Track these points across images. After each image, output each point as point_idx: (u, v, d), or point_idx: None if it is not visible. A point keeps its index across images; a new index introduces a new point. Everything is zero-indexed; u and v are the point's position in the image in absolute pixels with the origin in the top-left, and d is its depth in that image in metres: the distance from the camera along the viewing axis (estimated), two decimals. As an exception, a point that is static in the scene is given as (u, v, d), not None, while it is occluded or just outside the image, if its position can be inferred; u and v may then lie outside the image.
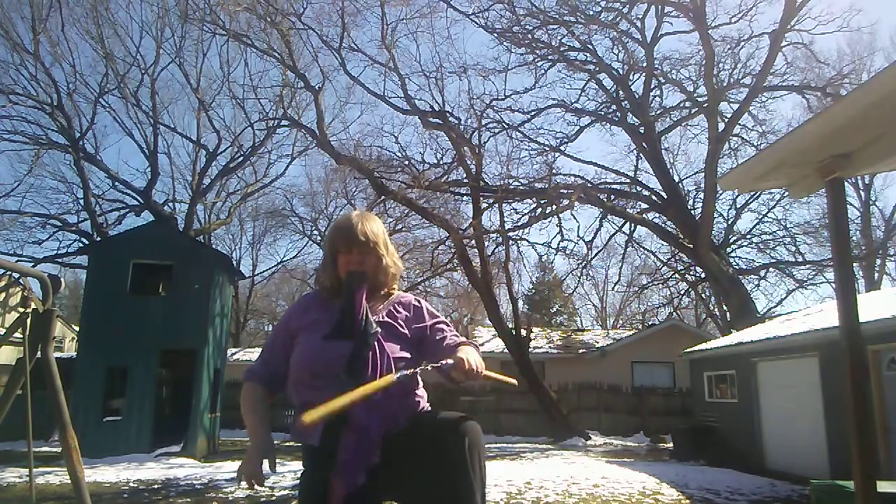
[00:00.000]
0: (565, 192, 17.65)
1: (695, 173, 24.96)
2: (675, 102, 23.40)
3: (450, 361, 1.67)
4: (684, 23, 19.02)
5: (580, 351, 22.87)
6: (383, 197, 18.83)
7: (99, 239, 21.68)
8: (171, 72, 51.86)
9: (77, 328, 16.76)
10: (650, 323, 31.75)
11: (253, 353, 27.24)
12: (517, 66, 20.03)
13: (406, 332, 1.84)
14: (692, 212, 19.54)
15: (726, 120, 17.93)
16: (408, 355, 1.79)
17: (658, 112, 20.23)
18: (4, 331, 3.47)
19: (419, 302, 1.96)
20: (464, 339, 1.89)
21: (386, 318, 1.85)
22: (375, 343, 1.73)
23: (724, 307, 21.33)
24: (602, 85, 20.24)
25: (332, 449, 1.64)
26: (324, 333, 1.76)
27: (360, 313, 1.76)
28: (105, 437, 11.90)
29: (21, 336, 3.04)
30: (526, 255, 66.96)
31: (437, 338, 1.87)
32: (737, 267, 20.83)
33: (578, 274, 23.03)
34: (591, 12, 18.49)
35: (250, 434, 1.86)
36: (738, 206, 22.72)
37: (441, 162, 19.10)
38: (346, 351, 1.71)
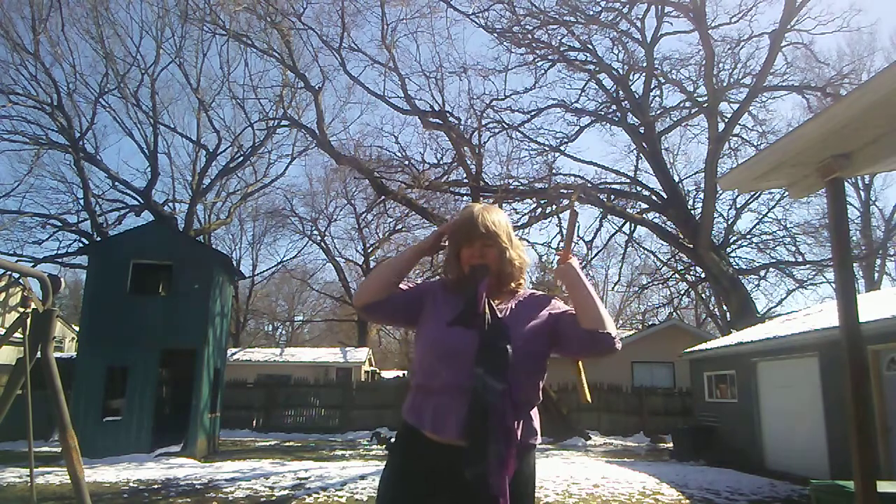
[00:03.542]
0: (565, 192, 17.65)
1: (695, 173, 25.01)
2: (675, 102, 23.50)
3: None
4: (684, 23, 19.05)
5: (580, 351, 22.83)
6: (383, 197, 18.85)
7: (99, 239, 21.71)
8: (171, 72, 52.07)
9: (77, 328, 16.75)
10: (650, 323, 31.74)
11: (253, 353, 27.24)
12: (517, 66, 20.06)
13: (534, 324, 1.79)
14: (692, 212, 19.54)
15: (726, 120, 17.93)
16: (535, 350, 1.76)
17: (658, 112, 20.23)
18: (4, 331, 3.47)
19: (552, 296, 1.93)
20: None
21: (514, 310, 1.82)
22: (507, 334, 1.71)
23: (724, 307, 21.34)
24: (602, 85, 20.24)
25: (482, 446, 1.61)
26: (447, 320, 1.76)
27: (482, 305, 1.74)
28: (105, 437, 11.88)
29: (21, 336, 3.03)
30: (526, 255, 66.88)
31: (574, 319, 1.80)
32: (737, 267, 20.82)
33: (578, 274, 22.99)
34: (591, 12, 18.48)
35: (415, 246, 2.01)
36: (738, 206, 22.74)
37: (441, 162, 19.12)
38: (470, 340, 1.69)
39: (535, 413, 1.80)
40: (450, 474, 1.65)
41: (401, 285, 1.90)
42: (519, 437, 1.67)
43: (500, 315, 1.76)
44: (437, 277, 2.05)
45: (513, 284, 1.90)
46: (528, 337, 1.75)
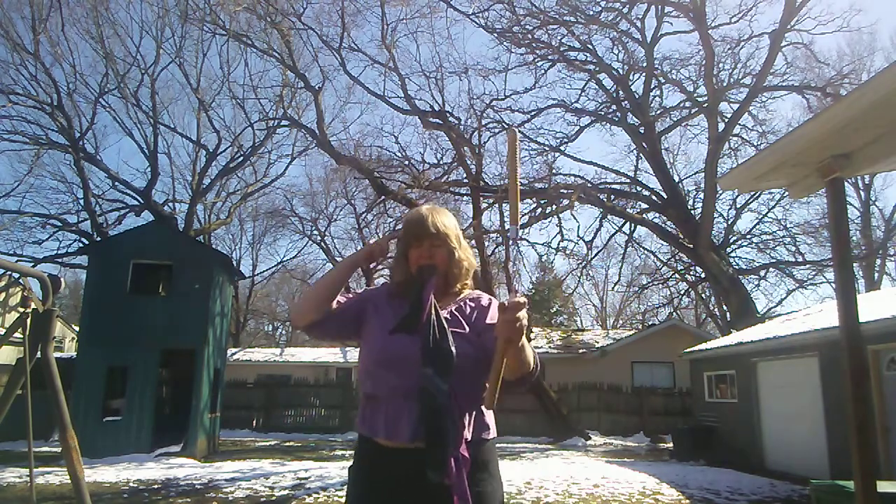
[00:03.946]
0: (565, 192, 17.66)
1: (695, 173, 25.01)
2: (675, 102, 23.52)
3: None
4: (684, 23, 19.05)
5: (580, 351, 22.86)
6: (383, 197, 18.85)
7: (99, 239, 21.69)
8: (171, 72, 52.01)
9: (77, 328, 16.75)
10: (650, 323, 31.75)
11: (253, 353, 27.23)
12: (517, 66, 20.08)
13: (468, 328, 1.78)
14: (692, 212, 19.54)
15: (726, 120, 17.94)
16: (478, 351, 1.73)
17: (658, 112, 20.24)
18: (4, 331, 3.47)
19: (490, 300, 1.90)
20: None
21: (454, 313, 1.81)
22: (450, 335, 1.69)
23: (724, 307, 21.34)
24: (602, 85, 20.25)
25: (440, 446, 1.59)
26: (390, 327, 1.75)
27: (428, 308, 1.73)
28: (105, 437, 11.89)
29: (21, 336, 3.03)
30: (526, 255, 66.92)
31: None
32: (737, 267, 20.82)
33: (578, 274, 23.08)
34: (591, 12, 18.49)
35: (346, 260, 2.03)
36: (738, 206, 22.74)
37: (441, 162, 19.14)
38: (413, 344, 1.68)
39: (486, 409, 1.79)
40: (407, 479, 1.63)
41: (340, 298, 1.88)
42: (471, 434, 1.67)
43: (444, 316, 1.75)
44: (382, 283, 2.04)
45: (458, 286, 1.90)
46: (471, 338, 1.75)
